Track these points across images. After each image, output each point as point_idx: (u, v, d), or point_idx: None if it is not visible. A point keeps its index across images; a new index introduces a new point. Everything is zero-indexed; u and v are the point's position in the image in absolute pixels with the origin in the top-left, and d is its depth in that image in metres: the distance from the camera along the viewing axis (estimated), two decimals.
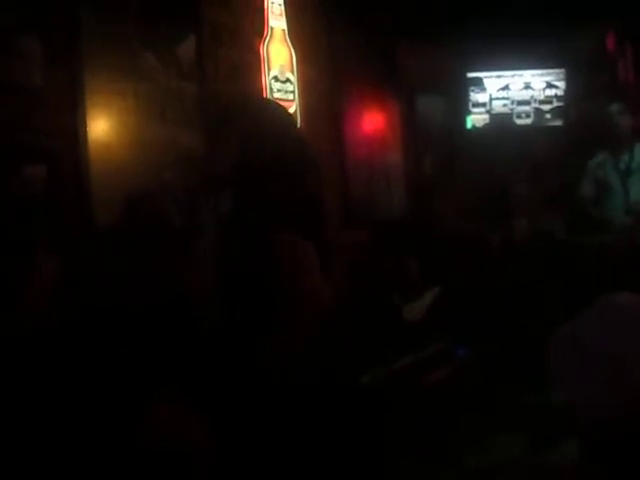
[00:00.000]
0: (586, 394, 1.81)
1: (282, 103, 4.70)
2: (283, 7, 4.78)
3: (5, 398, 1.98)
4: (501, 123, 6.61)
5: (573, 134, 6.52)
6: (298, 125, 4.80)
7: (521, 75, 6.69)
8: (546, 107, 6.70)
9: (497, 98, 6.69)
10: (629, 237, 4.70)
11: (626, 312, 1.76)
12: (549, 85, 6.72)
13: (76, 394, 2.00)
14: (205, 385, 2.24)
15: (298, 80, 4.86)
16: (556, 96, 6.72)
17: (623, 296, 1.82)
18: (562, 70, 6.68)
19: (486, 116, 6.69)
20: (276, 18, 4.73)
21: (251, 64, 4.58)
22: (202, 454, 2.04)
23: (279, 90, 4.69)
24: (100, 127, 3.59)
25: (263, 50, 4.61)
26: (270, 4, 4.67)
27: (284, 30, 4.79)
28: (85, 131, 3.47)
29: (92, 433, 1.96)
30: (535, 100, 6.70)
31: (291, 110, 4.78)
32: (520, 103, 6.69)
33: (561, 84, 6.69)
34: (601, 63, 6.90)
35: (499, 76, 6.67)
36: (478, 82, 6.66)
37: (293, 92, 4.82)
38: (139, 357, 2.16)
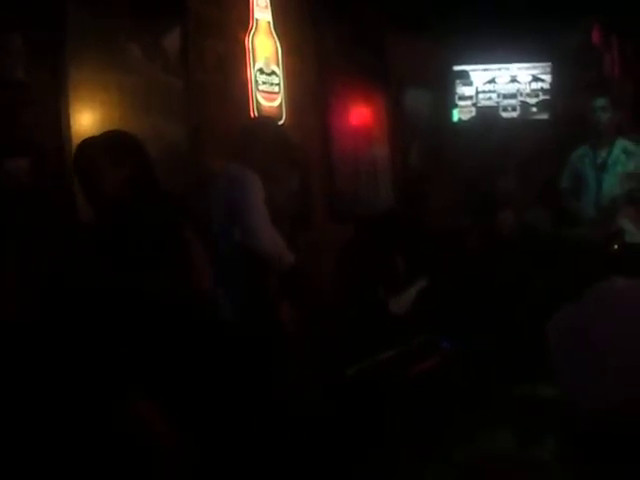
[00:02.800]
0: (577, 388, 1.81)
1: (267, 96, 4.69)
2: None
3: None
4: (487, 116, 6.61)
5: (559, 128, 6.53)
6: (283, 118, 4.81)
7: (507, 68, 6.69)
8: (532, 100, 6.72)
9: (483, 91, 6.69)
10: (598, 231, 4.75)
11: (622, 301, 1.75)
12: (535, 78, 6.72)
13: (52, 389, 2.00)
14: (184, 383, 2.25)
15: (284, 72, 4.84)
16: (542, 89, 6.73)
17: (619, 283, 1.80)
18: (548, 64, 6.69)
19: (472, 109, 6.70)
20: (261, 10, 4.71)
21: (236, 56, 4.55)
22: (171, 448, 2.05)
23: (264, 82, 4.67)
24: (84, 120, 3.56)
25: (248, 42, 4.58)
26: None
27: (269, 22, 4.77)
28: (69, 124, 3.45)
29: (68, 427, 1.96)
30: (521, 93, 6.70)
31: (276, 103, 4.77)
32: (506, 96, 6.70)
33: (547, 77, 6.70)
34: (587, 57, 6.91)
35: (485, 69, 6.67)
36: (464, 75, 6.66)
37: (279, 85, 4.80)
38: (117, 355, 2.17)
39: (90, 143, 2.66)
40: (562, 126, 6.57)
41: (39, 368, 2.07)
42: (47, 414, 1.99)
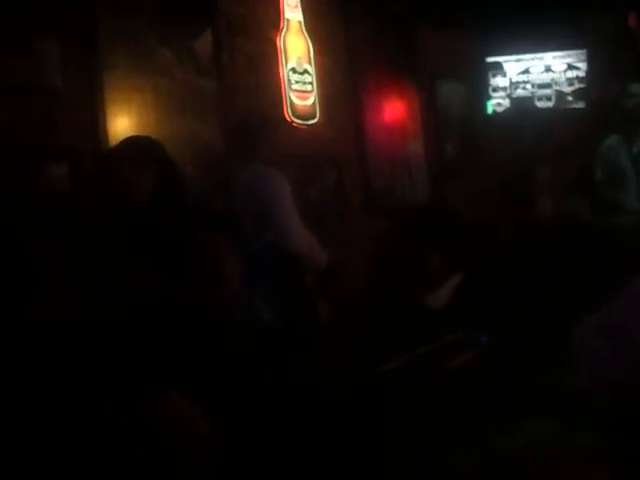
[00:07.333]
0: (609, 381, 1.80)
1: (300, 95, 4.72)
2: None
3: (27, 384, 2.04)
4: (522, 107, 6.56)
5: (595, 116, 6.45)
6: (317, 116, 4.83)
7: (541, 58, 6.63)
8: (567, 89, 6.64)
9: (517, 82, 6.64)
10: None
11: None
12: (570, 67, 6.65)
13: (88, 386, 2.05)
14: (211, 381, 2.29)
15: (316, 71, 4.87)
16: (577, 78, 6.65)
17: None
18: (583, 51, 6.61)
19: (507, 100, 6.65)
20: (292, 10, 4.74)
21: (268, 57, 4.59)
22: (209, 446, 2.08)
23: (297, 82, 4.71)
24: (120, 124, 3.63)
25: (280, 42, 4.62)
26: None
27: (300, 22, 4.80)
28: (105, 129, 3.52)
29: (102, 422, 2.00)
30: (556, 83, 6.64)
31: (310, 101, 4.80)
32: (541, 86, 6.64)
33: (582, 65, 6.62)
34: (623, 42, 6.80)
35: (519, 60, 6.62)
36: (498, 66, 6.62)
37: (311, 83, 4.83)
38: (148, 352, 2.21)
39: (116, 152, 2.68)
40: (598, 114, 6.49)
41: (74, 367, 2.13)
42: (84, 412, 2.04)
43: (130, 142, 2.70)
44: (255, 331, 3.21)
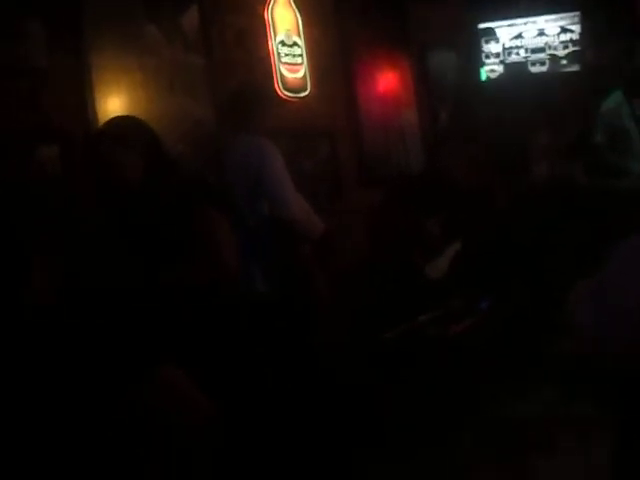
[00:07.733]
0: (606, 346, 1.79)
1: (291, 67, 4.69)
2: None
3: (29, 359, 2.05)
4: (515, 72, 6.50)
5: (590, 78, 6.40)
6: (308, 89, 4.80)
7: (534, 22, 6.55)
8: (561, 53, 6.57)
9: (511, 47, 6.57)
10: None
11: None
12: (563, 30, 6.57)
13: (82, 361, 2.06)
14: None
15: (305, 43, 4.82)
16: (571, 40, 6.57)
17: None
18: (576, 13, 6.53)
19: (500, 67, 6.59)
20: None
21: (257, 30, 4.55)
22: (204, 418, 2.09)
23: (287, 54, 4.67)
24: (109, 104, 3.61)
25: (268, 15, 4.57)
26: None
27: None
28: (94, 109, 3.50)
29: (96, 398, 2.01)
30: (550, 46, 6.57)
31: (300, 74, 4.76)
32: (534, 51, 6.57)
33: (576, 28, 6.54)
34: (618, 2, 6.72)
35: (511, 25, 6.55)
36: (490, 33, 6.55)
37: (301, 55, 4.79)
38: (142, 326, 2.22)
39: (102, 134, 2.65)
40: (594, 77, 6.43)
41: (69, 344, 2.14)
42: (77, 383, 2.05)
43: (116, 123, 2.68)
44: (251, 303, 3.22)
